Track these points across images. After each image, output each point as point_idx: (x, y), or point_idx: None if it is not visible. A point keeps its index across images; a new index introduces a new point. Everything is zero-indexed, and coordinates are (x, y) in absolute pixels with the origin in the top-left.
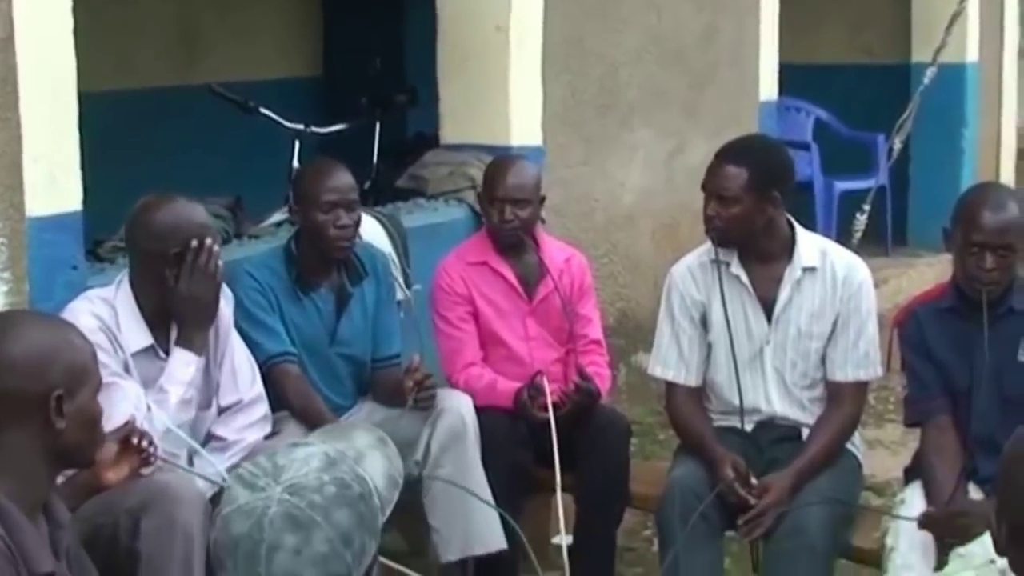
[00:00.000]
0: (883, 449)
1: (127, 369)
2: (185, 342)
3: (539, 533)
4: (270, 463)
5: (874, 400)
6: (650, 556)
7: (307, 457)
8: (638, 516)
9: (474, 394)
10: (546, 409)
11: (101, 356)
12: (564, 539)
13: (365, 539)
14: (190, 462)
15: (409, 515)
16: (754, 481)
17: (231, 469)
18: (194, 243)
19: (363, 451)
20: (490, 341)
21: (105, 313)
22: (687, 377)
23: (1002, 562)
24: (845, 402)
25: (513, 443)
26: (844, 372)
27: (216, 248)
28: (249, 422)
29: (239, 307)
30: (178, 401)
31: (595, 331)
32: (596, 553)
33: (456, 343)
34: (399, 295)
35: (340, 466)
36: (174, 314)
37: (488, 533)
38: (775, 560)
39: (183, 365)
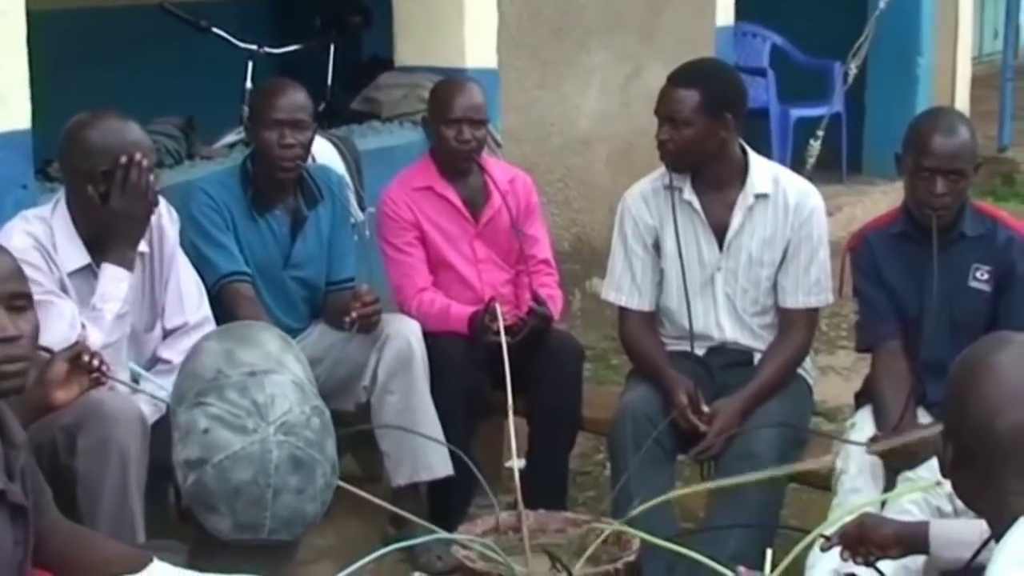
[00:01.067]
0: (835, 375)
1: (64, 289)
2: (116, 258)
3: (493, 457)
4: (247, 400)
5: (826, 326)
6: (603, 480)
7: (283, 390)
8: (591, 440)
9: (428, 319)
10: (499, 333)
11: (35, 275)
12: (516, 463)
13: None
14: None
15: (362, 440)
16: (706, 409)
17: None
18: (123, 159)
19: (280, 358)
20: (439, 265)
21: (40, 232)
22: (640, 302)
23: (948, 485)
24: (796, 329)
25: (468, 367)
26: (795, 299)
27: (146, 163)
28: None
29: (193, 224)
30: (113, 318)
31: (544, 251)
32: (548, 477)
33: (406, 268)
34: (353, 218)
35: (309, 393)
36: (104, 230)
37: (435, 460)
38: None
39: (115, 281)
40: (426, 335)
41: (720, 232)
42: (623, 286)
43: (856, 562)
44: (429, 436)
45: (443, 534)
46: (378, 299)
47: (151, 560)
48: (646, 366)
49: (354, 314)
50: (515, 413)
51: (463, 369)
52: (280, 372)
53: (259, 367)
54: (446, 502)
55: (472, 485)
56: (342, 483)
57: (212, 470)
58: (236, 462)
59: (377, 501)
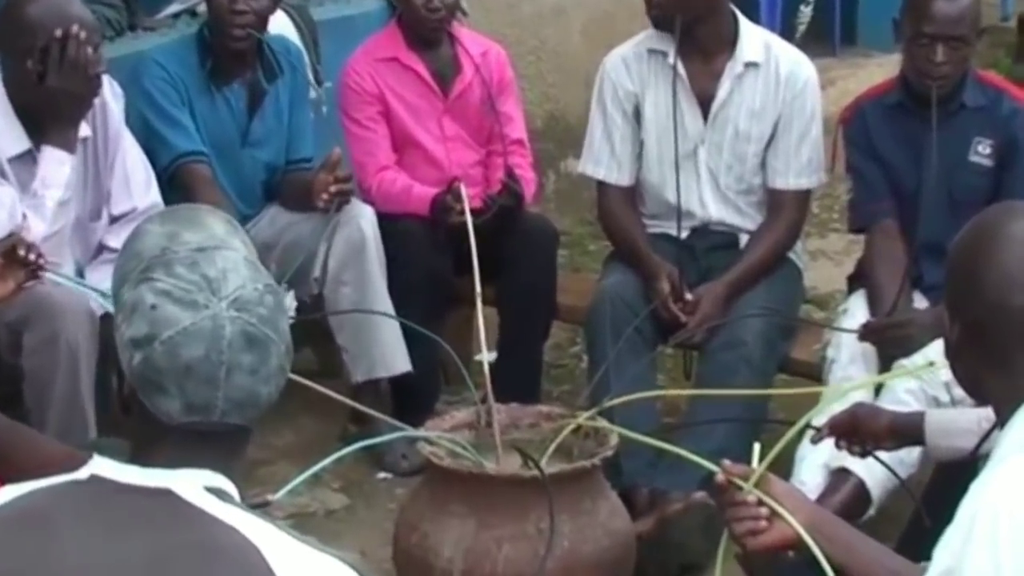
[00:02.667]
0: (826, 260)
1: (3, 175)
2: (57, 140)
3: (461, 349)
4: (197, 275)
5: (818, 208)
6: (578, 372)
7: (235, 265)
8: (566, 331)
9: (387, 200)
10: (463, 214)
11: None
12: (486, 355)
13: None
14: (80, 275)
15: (320, 332)
16: (689, 296)
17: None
18: (58, 32)
19: (225, 239)
20: (404, 143)
21: None
22: (619, 176)
23: (945, 372)
24: (786, 211)
25: (430, 251)
26: (785, 179)
27: (84, 36)
28: None
29: (145, 99)
30: (55, 205)
31: (517, 130)
32: (521, 370)
33: (367, 145)
34: (311, 94)
35: (261, 271)
36: (44, 111)
37: (392, 355)
38: (710, 373)
39: (56, 165)
40: (384, 218)
41: (705, 102)
42: (601, 158)
43: (851, 453)
44: (391, 315)
45: (408, 431)
46: (350, 176)
47: (89, 458)
48: (625, 249)
49: (333, 188)
50: (484, 302)
51: (424, 253)
52: (231, 248)
53: (208, 244)
54: (410, 398)
55: (438, 379)
56: (298, 377)
57: (160, 347)
58: (187, 338)
59: (336, 396)
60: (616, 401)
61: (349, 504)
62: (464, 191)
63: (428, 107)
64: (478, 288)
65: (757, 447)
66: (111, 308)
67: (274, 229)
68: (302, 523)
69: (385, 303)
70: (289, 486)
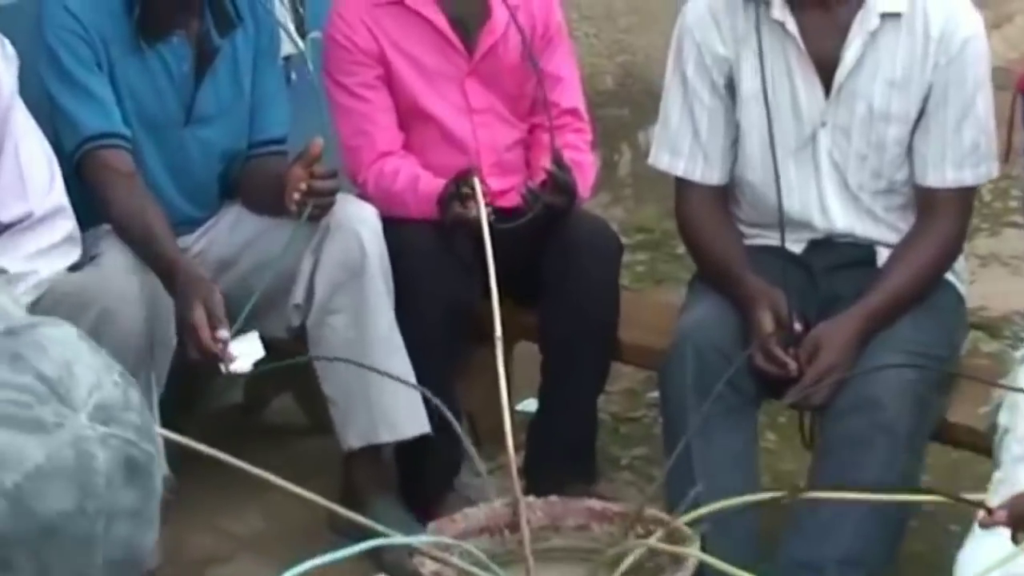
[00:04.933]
0: (1000, 267)
1: None
2: None
3: (495, 397)
4: (28, 376)
5: (989, 195)
6: (657, 430)
7: (74, 351)
8: (641, 372)
9: (389, 200)
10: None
11: None
12: (507, 414)
13: None
14: None
15: (303, 372)
16: (798, 327)
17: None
18: None
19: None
20: (414, 118)
21: None
22: (706, 171)
23: None
24: (941, 216)
25: (448, 271)
26: (940, 173)
27: None
28: (44, 245)
29: (48, 60)
30: None
31: (571, 96)
32: (570, 429)
33: (361, 122)
34: (287, 48)
35: (100, 349)
36: None
37: (402, 412)
38: (838, 445)
39: None
40: (389, 224)
41: (827, 69)
42: (681, 147)
43: None
44: (393, 376)
45: (400, 539)
46: (333, 173)
47: None
48: (715, 270)
49: (303, 186)
50: (522, 335)
51: (440, 274)
52: (52, 324)
53: (17, 324)
54: (422, 470)
55: (460, 444)
56: (259, 472)
57: (4, 503)
58: (43, 482)
59: (308, 496)
60: (700, 512)
61: None
62: (478, 183)
63: (446, 67)
64: (496, 312)
65: None
66: None
67: (236, 239)
68: None
69: (391, 339)
70: None
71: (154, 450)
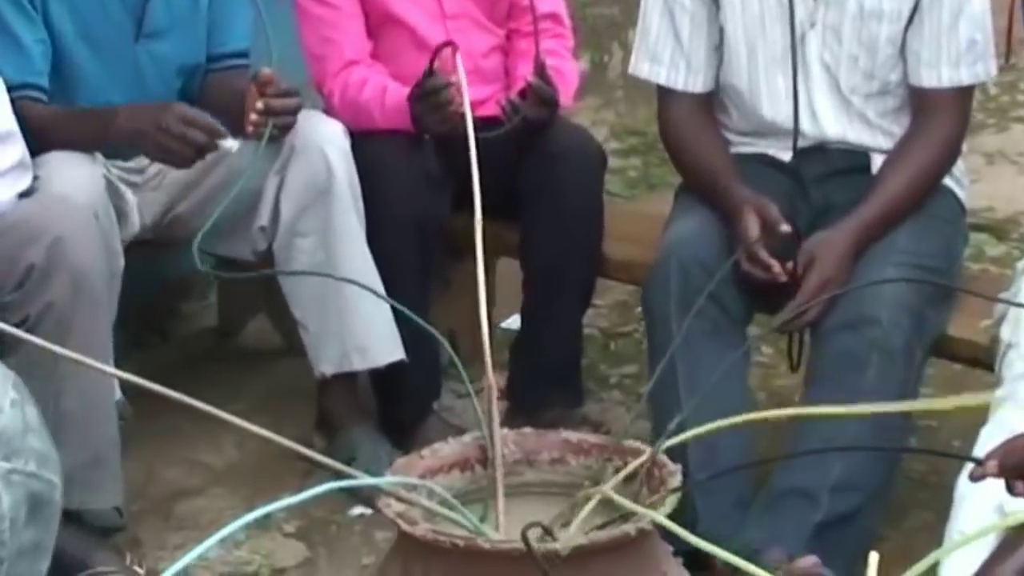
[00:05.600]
0: (1007, 164)
1: None
2: None
3: (477, 315)
4: None
5: (996, 89)
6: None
7: None
8: (631, 287)
9: (356, 111)
10: (461, 116)
11: None
12: (486, 328)
13: None
14: None
15: (278, 300)
16: (785, 228)
17: None
18: None
19: None
20: (383, 24)
21: None
22: (689, 78)
23: None
24: (938, 118)
25: (420, 184)
26: (936, 72)
27: None
28: None
29: None
30: None
31: (550, 0)
32: (553, 347)
33: (327, 30)
34: None
35: (10, 377)
36: None
37: (375, 338)
38: (831, 364)
39: None
40: (356, 140)
41: None
42: (662, 54)
43: None
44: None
45: (363, 480)
46: (295, 92)
47: None
48: (700, 180)
49: (260, 105)
50: (504, 250)
51: (412, 188)
52: None
53: None
54: (400, 395)
55: (439, 366)
56: (210, 408)
57: None
58: None
59: (265, 434)
60: (684, 436)
61: (307, 558)
62: (460, 66)
63: None
64: (479, 227)
65: (874, 558)
66: None
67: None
68: None
69: (361, 259)
70: (220, 534)
71: (56, 477)
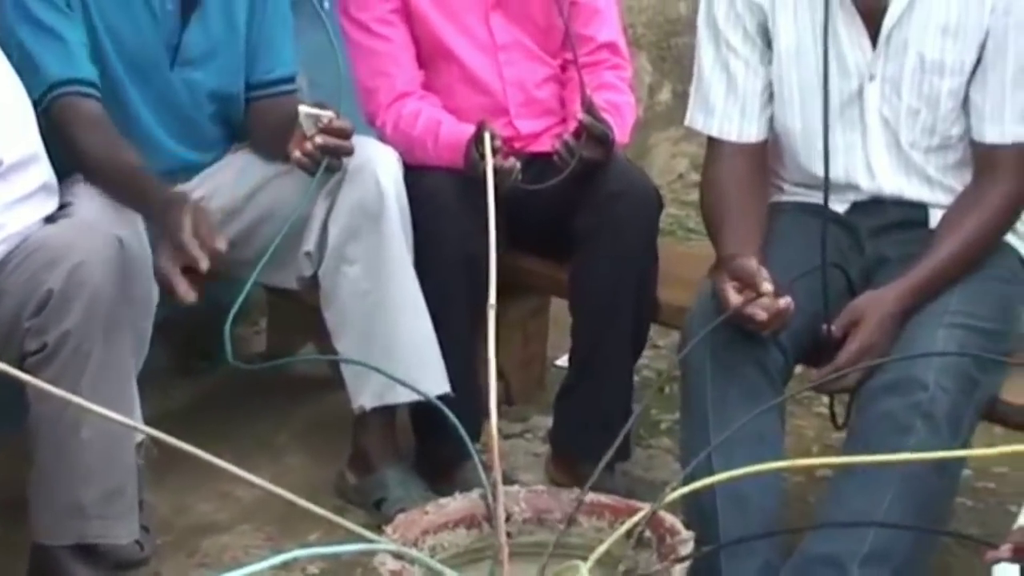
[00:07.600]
0: None
1: None
2: None
3: (529, 354)
4: None
5: None
6: None
7: None
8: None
9: (409, 145)
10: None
11: None
12: (495, 388)
13: None
14: None
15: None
16: (768, 287)
17: None
18: None
19: None
20: (435, 56)
21: None
22: (744, 127)
23: None
24: (1000, 175)
25: (473, 221)
26: (999, 128)
27: None
28: (17, 195)
29: (15, 2)
30: None
31: (608, 29)
32: (601, 394)
33: (379, 62)
34: None
35: None
36: None
37: (423, 368)
38: (872, 428)
39: None
40: (408, 172)
41: (873, 18)
42: (714, 103)
43: None
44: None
45: (358, 546)
46: (350, 128)
47: None
48: (712, 237)
49: (319, 140)
50: (555, 291)
51: (461, 226)
52: None
53: None
54: (441, 434)
55: (482, 407)
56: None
57: None
58: None
59: (273, 489)
60: (680, 491)
61: None
62: (487, 137)
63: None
64: (492, 277)
65: None
66: None
67: (242, 187)
68: None
69: (410, 292)
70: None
71: None
